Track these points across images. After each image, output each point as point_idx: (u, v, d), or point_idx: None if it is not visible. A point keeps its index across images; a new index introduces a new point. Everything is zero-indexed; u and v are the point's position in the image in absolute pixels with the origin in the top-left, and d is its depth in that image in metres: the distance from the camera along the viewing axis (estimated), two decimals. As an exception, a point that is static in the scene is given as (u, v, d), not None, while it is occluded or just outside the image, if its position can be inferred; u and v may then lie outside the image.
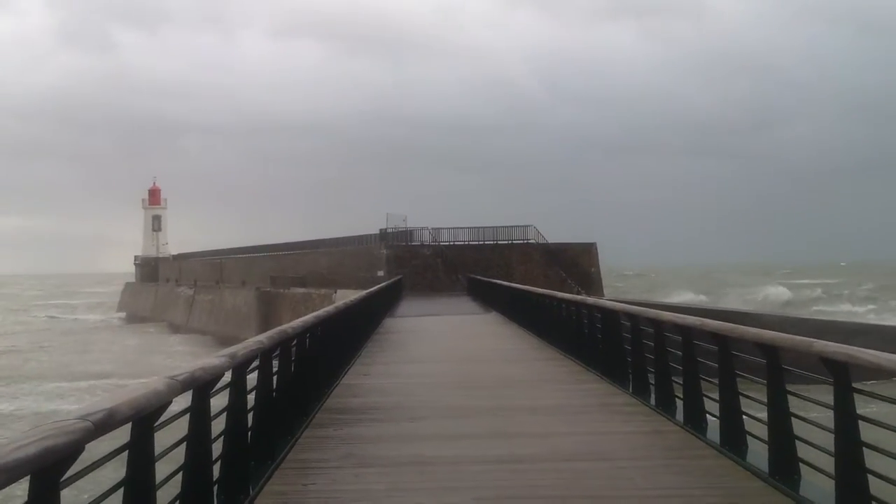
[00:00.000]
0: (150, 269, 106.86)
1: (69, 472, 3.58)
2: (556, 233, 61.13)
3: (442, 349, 20.00)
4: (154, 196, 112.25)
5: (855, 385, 6.08)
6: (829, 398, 6.24)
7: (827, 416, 6.29)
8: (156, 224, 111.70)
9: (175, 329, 76.65)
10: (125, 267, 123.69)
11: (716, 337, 8.48)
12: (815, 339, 6.50)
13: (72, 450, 3.38)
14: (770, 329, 7.61)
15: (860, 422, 6.00)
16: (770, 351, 7.23)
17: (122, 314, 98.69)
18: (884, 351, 5.72)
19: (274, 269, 70.64)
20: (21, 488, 3.34)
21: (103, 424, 3.67)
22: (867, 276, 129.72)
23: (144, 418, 4.46)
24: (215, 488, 6.32)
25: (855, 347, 6.01)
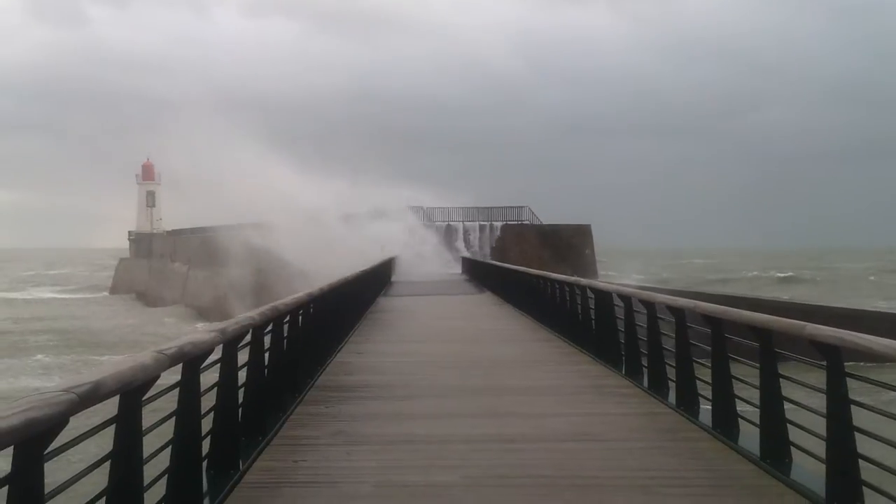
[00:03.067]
0: (145, 244, 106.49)
1: (53, 445, 3.54)
2: (542, 214, 60.98)
3: (435, 329, 19.99)
4: (148, 172, 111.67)
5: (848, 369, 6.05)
6: (822, 382, 6.22)
7: (819, 400, 6.27)
8: (150, 200, 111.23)
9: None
10: (117, 242, 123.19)
11: (709, 319, 8.45)
12: (807, 323, 6.47)
13: (56, 422, 3.34)
14: (762, 312, 7.57)
15: (852, 406, 5.98)
16: (763, 334, 7.21)
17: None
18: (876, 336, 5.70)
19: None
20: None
21: (88, 397, 3.63)
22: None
23: (132, 392, 4.42)
24: (204, 463, 6.31)
25: (846, 331, 5.97)
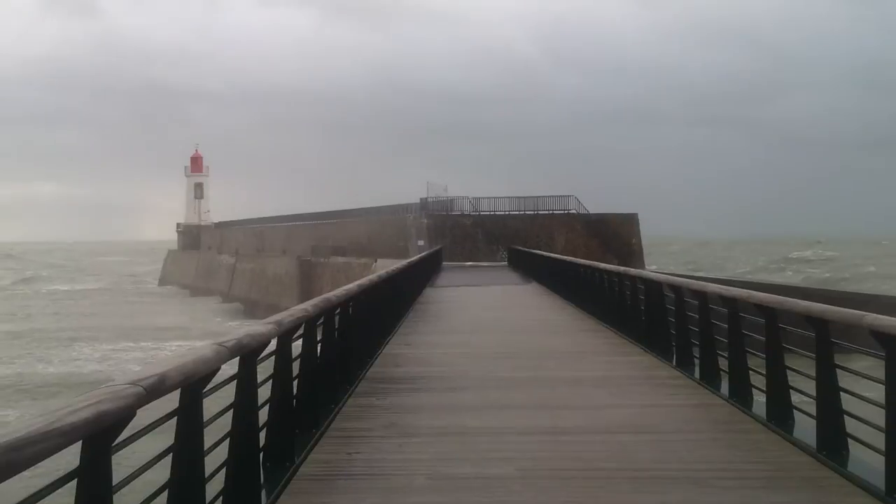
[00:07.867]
0: (193, 237, 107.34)
1: (119, 438, 3.58)
2: (573, 202, 60.29)
3: (483, 320, 19.95)
4: (196, 163, 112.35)
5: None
6: (880, 372, 6.14)
7: (878, 391, 6.19)
8: (198, 192, 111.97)
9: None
10: (163, 234, 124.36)
11: (763, 309, 8.37)
12: (866, 313, 6.38)
13: (124, 414, 3.37)
14: (817, 301, 7.49)
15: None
16: (819, 324, 7.13)
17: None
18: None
19: (314, 238, 70.89)
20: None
21: (154, 390, 3.66)
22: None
23: (193, 384, 4.46)
24: (260, 455, 6.35)
25: (907, 321, 5.89)
